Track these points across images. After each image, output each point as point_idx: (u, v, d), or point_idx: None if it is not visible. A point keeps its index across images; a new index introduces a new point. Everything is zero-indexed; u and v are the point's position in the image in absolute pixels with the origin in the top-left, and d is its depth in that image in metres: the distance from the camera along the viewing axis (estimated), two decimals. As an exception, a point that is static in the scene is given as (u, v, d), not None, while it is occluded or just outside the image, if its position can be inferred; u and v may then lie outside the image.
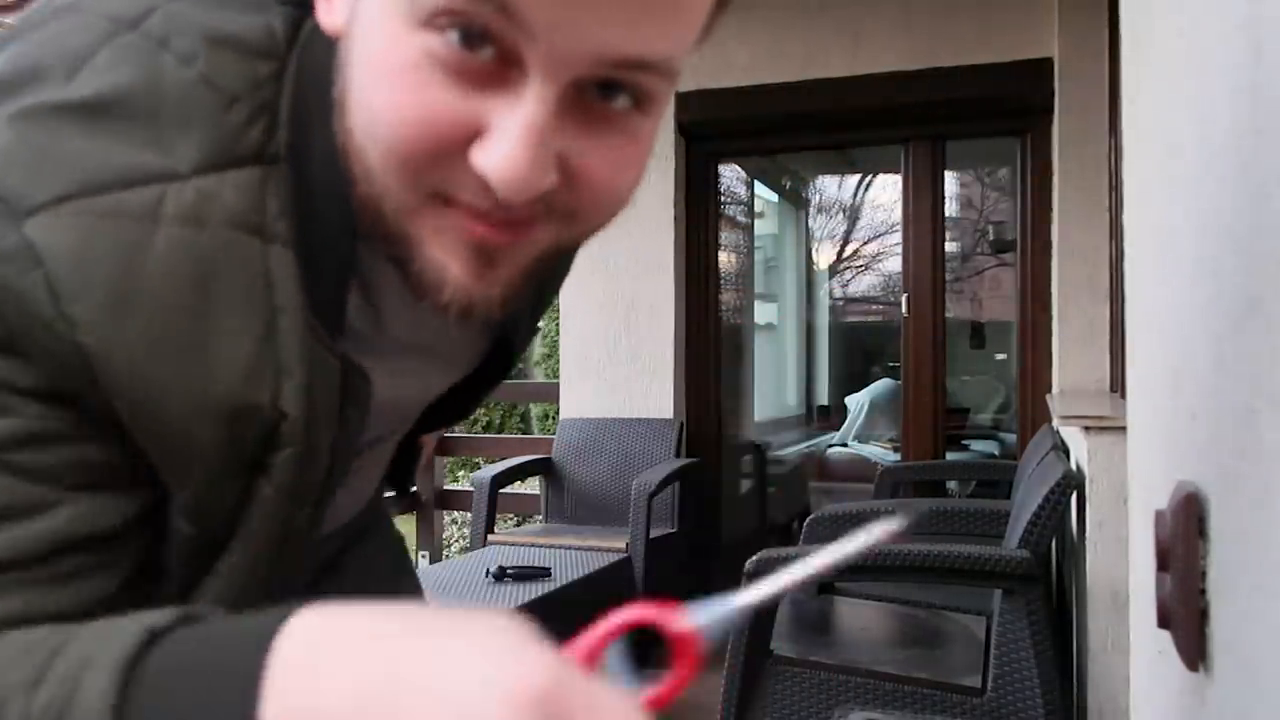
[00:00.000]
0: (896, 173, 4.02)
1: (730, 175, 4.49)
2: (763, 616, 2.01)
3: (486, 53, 0.43)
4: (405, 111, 0.44)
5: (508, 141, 0.43)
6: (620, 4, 0.41)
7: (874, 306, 7.61)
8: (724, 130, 4.06)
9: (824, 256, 7.27)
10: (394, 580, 0.94)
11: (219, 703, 0.41)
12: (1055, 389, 3.44)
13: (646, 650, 0.51)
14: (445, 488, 4.82)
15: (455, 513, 5.88)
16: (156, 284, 0.47)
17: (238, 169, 0.49)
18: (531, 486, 4.82)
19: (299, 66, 0.52)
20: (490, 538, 3.43)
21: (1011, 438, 4.69)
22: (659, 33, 0.44)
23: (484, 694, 0.36)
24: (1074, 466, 2.27)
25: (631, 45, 0.43)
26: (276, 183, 0.50)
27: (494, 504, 3.52)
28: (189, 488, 0.52)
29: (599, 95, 0.45)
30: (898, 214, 4.00)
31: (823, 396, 6.90)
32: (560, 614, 2.61)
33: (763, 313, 6.02)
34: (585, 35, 0.42)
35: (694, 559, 3.85)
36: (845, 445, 6.06)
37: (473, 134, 0.44)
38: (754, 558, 1.99)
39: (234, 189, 0.49)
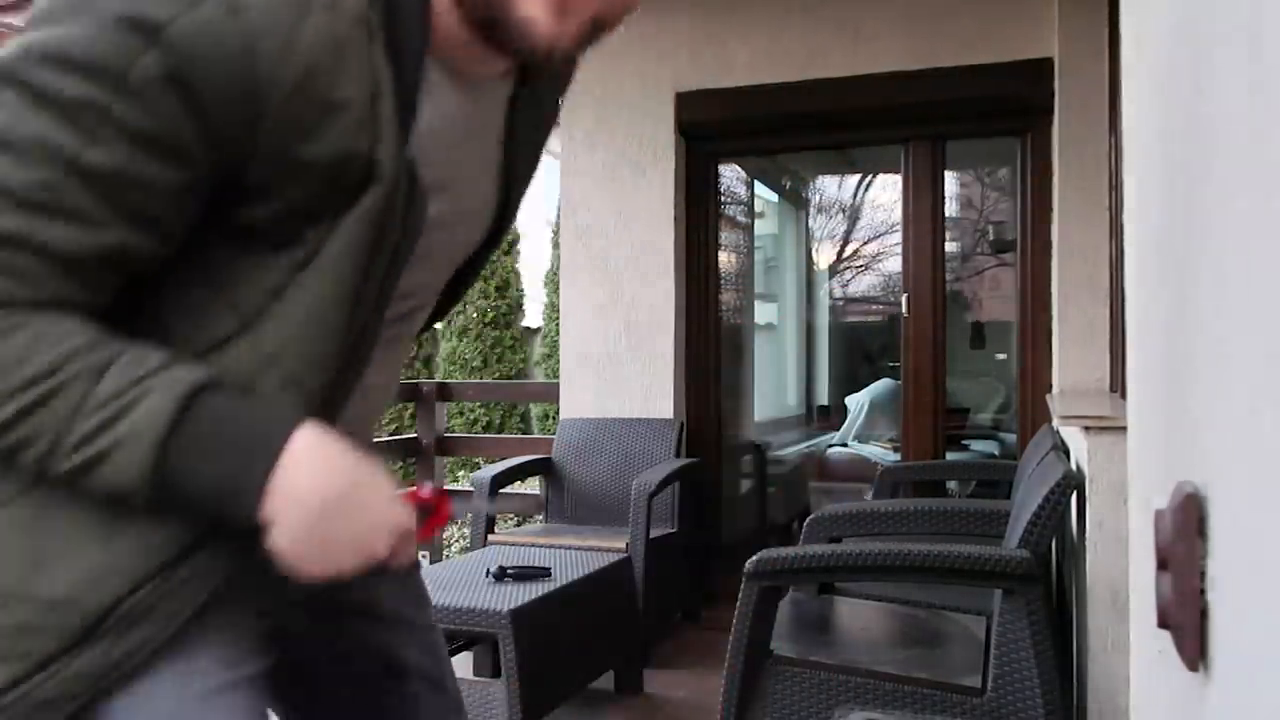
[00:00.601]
0: (896, 173, 4.02)
1: (730, 175, 4.49)
2: (762, 617, 2.01)
3: None
4: None
5: None
6: None
7: (874, 306, 7.61)
8: (724, 130, 4.06)
9: (824, 256, 7.27)
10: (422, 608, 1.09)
11: (244, 462, 0.69)
12: (1055, 389, 3.44)
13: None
14: (445, 488, 4.82)
15: (455, 513, 5.88)
16: (310, 44, 0.69)
17: None
18: (532, 486, 4.82)
19: None
20: (490, 538, 3.43)
21: (1011, 438, 4.69)
22: None
23: (386, 494, 0.76)
24: (1074, 466, 2.27)
25: None
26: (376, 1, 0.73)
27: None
28: (291, 199, 0.72)
29: None
30: (898, 214, 4.00)
31: (823, 396, 6.90)
32: (561, 614, 2.61)
33: (763, 313, 6.02)
34: None
35: (694, 559, 3.85)
36: (845, 445, 6.06)
37: None
38: (753, 558, 1.99)
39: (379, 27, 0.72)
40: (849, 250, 7.34)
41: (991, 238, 6.18)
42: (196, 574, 0.74)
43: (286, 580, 0.75)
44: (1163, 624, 0.55)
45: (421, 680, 1.01)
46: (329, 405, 0.78)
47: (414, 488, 0.85)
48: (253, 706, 0.80)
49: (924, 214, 3.86)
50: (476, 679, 2.87)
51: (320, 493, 0.72)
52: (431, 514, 0.85)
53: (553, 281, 8.83)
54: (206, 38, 0.66)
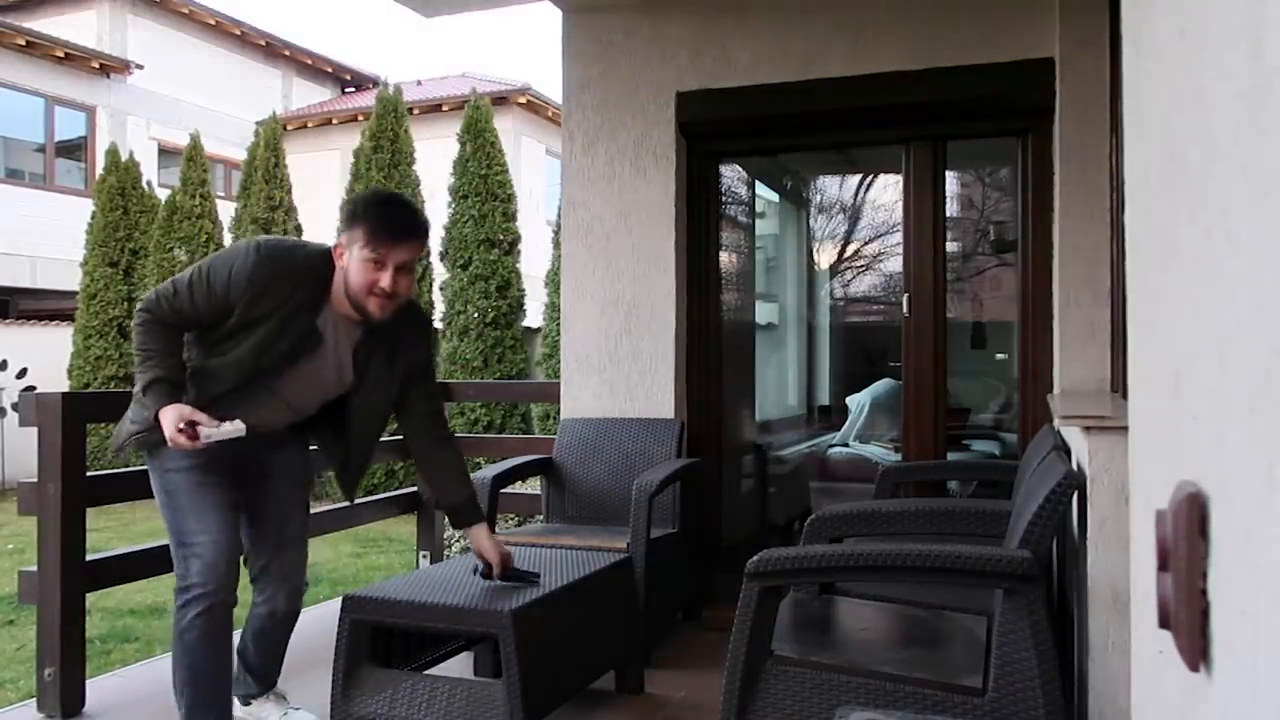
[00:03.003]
0: (897, 173, 4.02)
1: (731, 175, 4.49)
2: (763, 617, 2.01)
3: (378, 263, 2.35)
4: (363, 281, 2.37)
5: (385, 281, 2.34)
6: (407, 252, 2.37)
7: (875, 306, 7.61)
8: (724, 130, 4.06)
9: (825, 256, 7.27)
10: (298, 484, 2.71)
11: (155, 405, 2.29)
12: (1056, 389, 3.43)
13: None
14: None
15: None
16: (251, 281, 2.33)
17: (304, 272, 2.41)
18: (532, 486, 4.82)
19: (328, 266, 2.42)
20: (491, 538, 3.42)
21: (1012, 438, 4.68)
22: (415, 255, 2.40)
23: (169, 422, 2.30)
24: (1075, 466, 2.26)
25: (409, 259, 2.38)
26: (306, 280, 2.39)
27: (495, 504, 3.52)
28: (242, 320, 2.35)
29: (403, 268, 2.37)
30: (899, 214, 3.99)
31: (824, 396, 6.90)
32: (561, 614, 2.61)
33: (764, 313, 6.02)
34: (399, 258, 2.35)
35: (694, 559, 3.85)
36: (846, 445, 6.05)
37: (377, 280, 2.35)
38: (754, 558, 1.99)
39: (297, 274, 2.40)
40: (850, 250, 7.34)
41: (992, 238, 6.17)
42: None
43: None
44: (1164, 624, 0.55)
45: (274, 509, 2.64)
46: (253, 385, 2.41)
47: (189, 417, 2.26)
48: (209, 461, 2.41)
49: (925, 214, 3.85)
50: (477, 679, 2.87)
51: (162, 421, 2.26)
52: (187, 432, 2.23)
53: (553, 281, 8.83)
54: (240, 272, 2.32)
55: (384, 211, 2.33)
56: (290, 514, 2.63)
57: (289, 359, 2.36)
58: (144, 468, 2.51)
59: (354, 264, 2.29)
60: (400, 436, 2.76)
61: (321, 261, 2.35)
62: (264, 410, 2.44)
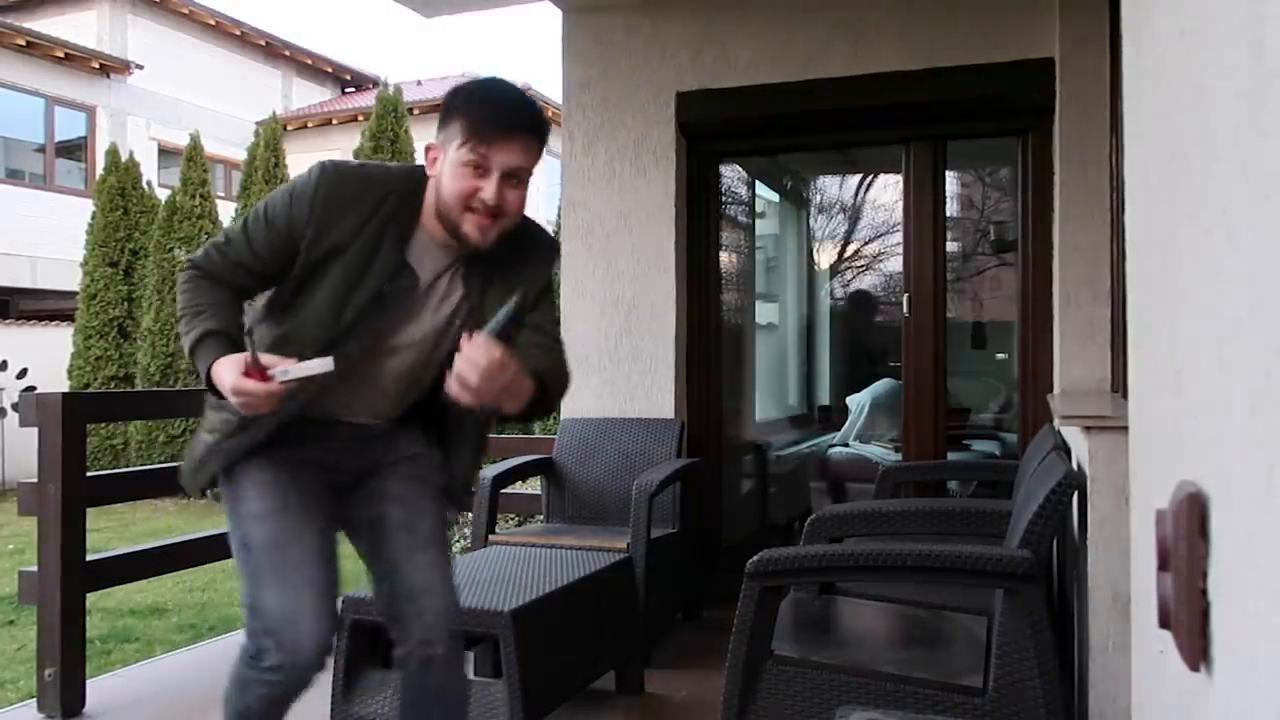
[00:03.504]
0: (897, 173, 4.02)
1: (731, 175, 4.49)
2: (764, 617, 2.01)
3: (479, 168, 1.74)
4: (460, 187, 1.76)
5: (488, 191, 1.73)
6: (518, 154, 1.75)
7: (875, 306, 7.60)
8: (724, 130, 4.06)
9: (825, 256, 7.27)
10: (424, 484, 1.97)
11: (205, 363, 1.71)
12: (1056, 389, 3.43)
13: None
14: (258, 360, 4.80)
15: (456, 513, 5.87)
16: (319, 200, 1.77)
17: (383, 189, 1.81)
18: (532, 487, 4.82)
19: (417, 183, 1.83)
20: (491, 538, 3.43)
21: (1013, 437, 4.68)
22: (530, 160, 1.76)
23: (228, 381, 1.66)
24: (1075, 466, 2.26)
25: (522, 164, 1.76)
26: (393, 200, 1.80)
27: (495, 504, 3.52)
28: (309, 259, 1.78)
29: (512, 176, 1.75)
30: (899, 214, 3.99)
31: (824, 396, 6.89)
32: (561, 614, 2.61)
33: (764, 312, 6.01)
34: (506, 161, 1.73)
35: (694, 559, 3.85)
36: (846, 445, 6.05)
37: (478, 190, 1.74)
38: (755, 558, 1.99)
39: (378, 193, 1.80)
40: (850, 250, 7.34)
41: (992, 238, 6.17)
42: (256, 423, 1.77)
43: (308, 444, 1.87)
44: (1164, 624, 0.55)
45: (397, 522, 1.92)
46: (336, 351, 1.72)
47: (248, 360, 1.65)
48: (301, 495, 1.84)
49: (925, 214, 3.85)
50: (477, 679, 2.87)
51: (216, 381, 1.68)
52: (255, 374, 1.63)
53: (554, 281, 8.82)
54: (303, 196, 1.77)
55: (490, 100, 1.75)
56: (418, 522, 1.91)
57: (377, 308, 1.77)
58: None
59: (449, 170, 1.72)
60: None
61: (407, 177, 1.81)
62: (357, 388, 1.86)
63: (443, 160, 1.75)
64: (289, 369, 1.65)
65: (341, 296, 1.76)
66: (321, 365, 1.65)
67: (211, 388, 1.71)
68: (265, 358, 1.66)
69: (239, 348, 1.71)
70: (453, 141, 1.73)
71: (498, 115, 1.73)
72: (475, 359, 1.55)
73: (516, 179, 1.74)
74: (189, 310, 1.79)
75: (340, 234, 1.75)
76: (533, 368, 1.74)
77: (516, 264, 1.88)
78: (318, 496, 1.87)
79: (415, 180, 1.81)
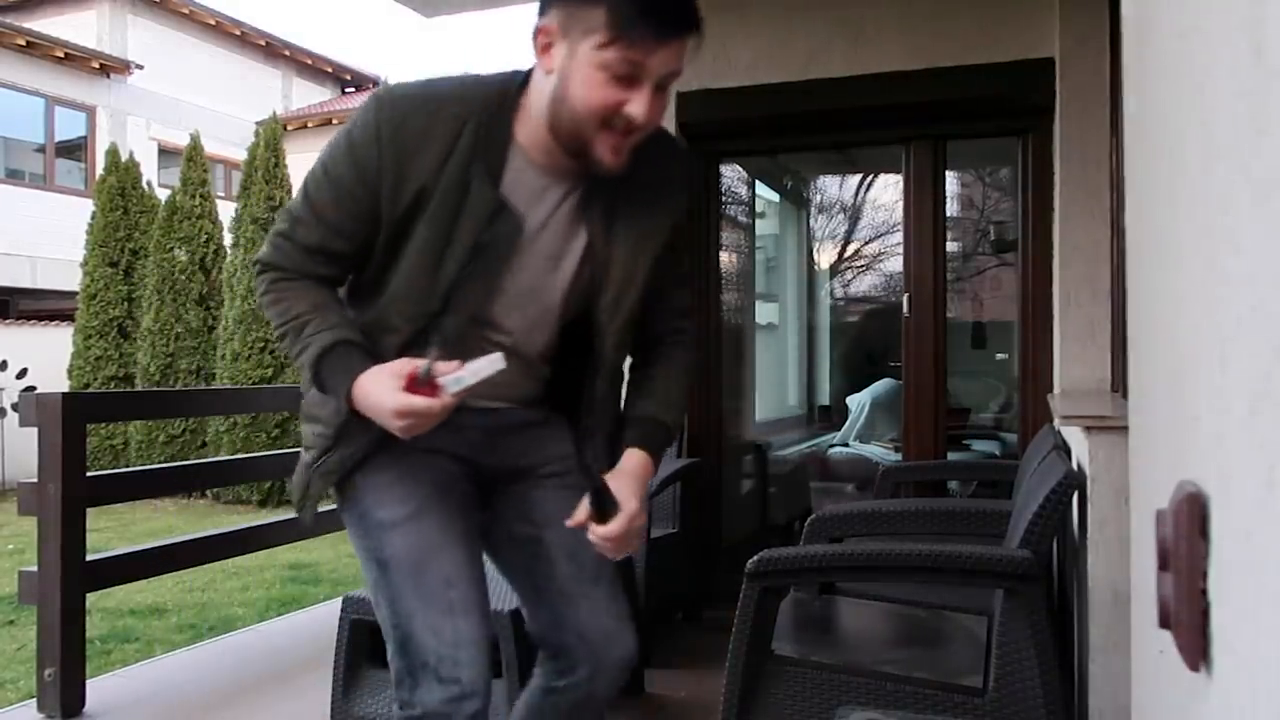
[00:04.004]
0: (897, 173, 4.02)
1: (731, 175, 4.49)
2: (764, 617, 2.01)
3: (627, 76, 1.31)
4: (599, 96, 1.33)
5: (638, 106, 1.32)
6: (676, 57, 1.33)
7: (875, 306, 7.61)
8: (724, 130, 4.05)
9: (825, 256, 7.27)
10: (576, 486, 1.53)
11: (343, 383, 1.39)
12: (1056, 389, 3.43)
13: None
14: (430, 364, 4.80)
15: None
16: (404, 133, 1.38)
17: (461, 109, 1.40)
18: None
19: (496, 95, 1.42)
20: (491, 538, 3.42)
21: (1013, 437, 4.68)
22: (684, 63, 1.33)
23: (385, 400, 1.34)
24: (1075, 466, 2.26)
25: (678, 69, 1.34)
26: (475, 122, 1.39)
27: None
28: (394, 216, 1.40)
29: (663, 85, 1.33)
30: (899, 214, 3.99)
31: (824, 396, 6.90)
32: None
33: (764, 313, 6.01)
34: (663, 68, 1.32)
35: (694, 559, 3.85)
36: (846, 445, 6.05)
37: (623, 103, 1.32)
38: (755, 558, 1.99)
39: (456, 115, 1.39)
40: (850, 250, 7.34)
41: (992, 238, 6.17)
42: (358, 429, 1.44)
43: (434, 442, 1.46)
44: (1164, 624, 0.55)
45: (558, 548, 1.58)
46: (434, 328, 1.43)
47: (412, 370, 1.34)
48: (437, 491, 1.51)
49: (925, 214, 3.85)
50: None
51: (363, 405, 1.39)
52: (425, 387, 1.33)
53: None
54: (365, 137, 1.39)
55: None
56: (580, 549, 1.53)
57: (478, 265, 1.40)
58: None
59: (582, 73, 1.31)
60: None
61: (489, 90, 1.41)
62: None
63: (567, 57, 1.32)
64: (460, 375, 1.32)
65: (434, 257, 1.39)
66: (491, 365, 1.32)
67: (352, 411, 1.39)
68: (421, 363, 1.33)
69: (373, 356, 1.40)
70: (589, 36, 1.29)
71: (656, 7, 1.30)
72: (625, 543, 1.43)
73: (667, 86, 1.35)
74: (290, 324, 1.43)
75: (419, 177, 1.37)
76: (671, 420, 1.56)
77: (648, 190, 1.47)
78: (457, 495, 1.53)
79: (501, 93, 1.40)
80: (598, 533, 1.42)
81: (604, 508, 1.43)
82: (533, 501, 1.60)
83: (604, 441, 1.56)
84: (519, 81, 1.41)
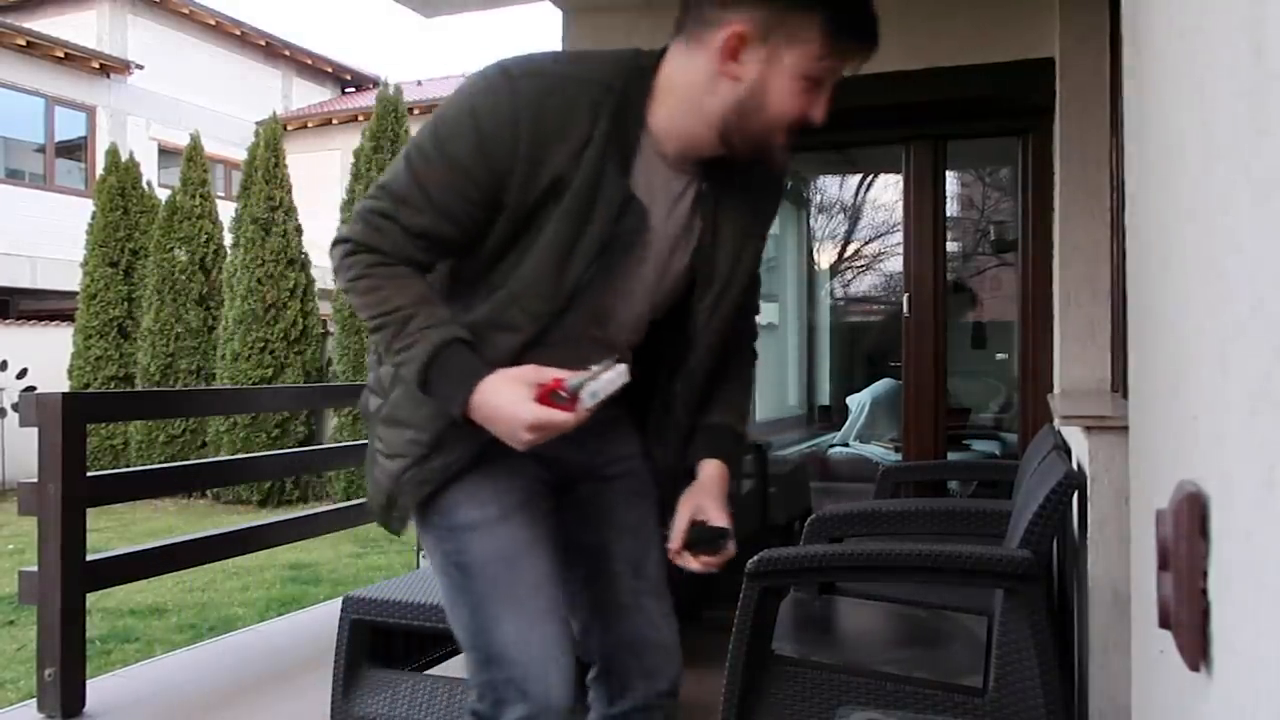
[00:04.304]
0: (898, 172, 4.02)
1: (731, 175, 4.48)
2: (764, 617, 2.01)
3: (820, 82, 1.27)
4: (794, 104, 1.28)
5: (820, 111, 1.29)
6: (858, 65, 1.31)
7: (875, 306, 7.61)
8: (725, 130, 4.05)
9: (825, 256, 7.27)
10: (647, 497, 1.55)
11: (460, 389, 1.26)
12: (1056, 388, 3.43)
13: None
14: (571, 379, 4.80)
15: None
16: (547, 113, 1.24)
17: (600, 90, 1.27)
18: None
19: (629, 76, 1.29)
20: (491, 538, 3.42)
21: (1013, 437, 4.69)
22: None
23: (515, 413, 1.23)
24: (1075, 466, 2.26)
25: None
26: (611, 103, 1.27)
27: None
28: (522, 206, 1.26)
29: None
30: (899, 214, 3.99)
31: (824, 396, 6.90)
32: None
33: (764, 312, 6.01)
34: (846, 71, 1.29)
35: (695, 559, 3.84)
36: (846, 445, 6.05)
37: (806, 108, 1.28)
38: (755, 558, 1.99)
39: (594, 97, 1.26)
40: (850, 250, 7.34)
41: (993, 238, 6.17)
42: (461, 434, 1.32)
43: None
44: (1164, 624, 0.55)
45: (623, 559, 1.51)
46: (557, 327, 1.31)
47: (559, 380, 1.25)
48: (525, 493, 1.41)
49: (925, 214, 3.85)
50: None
51: (483, 414, 1.27)
52: (563, 403, 1.24)
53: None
54: (497, 118, 1.24)
55: None
56: (644, 559, 1.52)
57: (605, 256, 1.30)
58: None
59: (783, 83, 1.25)
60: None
61: (621, 71, 1.30)
62: (571, 363, 1.32)
63: (764, 64, 1.24)
64: (595, 389, 1.23)
65: (565, 252, 1.27)
66: (620, 376, 1.24)
67: (466, 419, 1.27)
68: (541, 371, 1.24)
69: (485, 357, 1.28)
70: (797, 45, 1.24)
71: (861, 18, 1.34)
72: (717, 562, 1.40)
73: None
74: (389, 316, 1.28)
75: (556, 165, 1.24)
76: (743, 429, 1.52)
77: (755, 189, 1.43)
78: (541, 498, 1.44)
79: (632, 75, 1.29)
80: (709, 563, 1.39)
81: (716, 542, 1.40)
82: (600, 508, 1.52)
83: (675, 444, 1.49)
84: (650, 64, 1.30)
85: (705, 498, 1.43)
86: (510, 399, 1.23)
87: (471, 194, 1.27)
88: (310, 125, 16.41)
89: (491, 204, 1.27)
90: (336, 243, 1.34)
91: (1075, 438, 2.39)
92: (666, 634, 1.52)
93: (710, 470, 1.47)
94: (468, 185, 1.26)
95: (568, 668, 1.38)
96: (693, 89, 1.28)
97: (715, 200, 1.39)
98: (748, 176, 1.39)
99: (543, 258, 1.27)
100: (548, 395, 1.23)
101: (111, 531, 7.35)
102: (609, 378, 1.24)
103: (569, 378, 1.23)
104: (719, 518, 1.41)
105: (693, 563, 1.39)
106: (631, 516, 1.50)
